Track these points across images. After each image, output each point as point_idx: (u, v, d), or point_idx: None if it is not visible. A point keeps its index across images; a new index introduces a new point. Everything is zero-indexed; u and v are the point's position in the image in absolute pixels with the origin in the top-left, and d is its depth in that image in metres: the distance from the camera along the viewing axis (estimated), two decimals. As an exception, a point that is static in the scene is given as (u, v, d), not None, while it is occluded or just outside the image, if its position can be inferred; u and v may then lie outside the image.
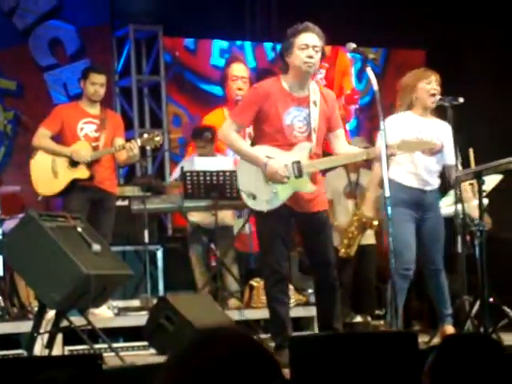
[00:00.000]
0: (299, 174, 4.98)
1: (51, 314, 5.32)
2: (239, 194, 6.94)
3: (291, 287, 6.92)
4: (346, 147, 5.18)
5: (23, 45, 8.49)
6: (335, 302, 5.16)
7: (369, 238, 7.40)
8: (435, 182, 5.68)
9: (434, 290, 5.70)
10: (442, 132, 5.61)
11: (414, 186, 5.59)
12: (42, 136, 6.64)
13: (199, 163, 7.41)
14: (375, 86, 4.76)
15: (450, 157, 5.61)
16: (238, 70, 7.37)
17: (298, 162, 4.98)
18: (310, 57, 4.94)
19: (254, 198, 5.01)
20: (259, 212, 5.07)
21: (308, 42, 4.95)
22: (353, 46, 4.92)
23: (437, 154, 5.63)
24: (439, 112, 5.73)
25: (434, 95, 5.62)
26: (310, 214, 5.05)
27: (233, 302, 7.22)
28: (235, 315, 6.53)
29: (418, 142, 5.20)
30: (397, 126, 5.44)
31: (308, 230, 5.09)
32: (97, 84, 6.66)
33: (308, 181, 5.02)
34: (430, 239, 5.62)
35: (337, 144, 5.13)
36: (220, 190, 6.99)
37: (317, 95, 5.06)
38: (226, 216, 7.48)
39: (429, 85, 5.63)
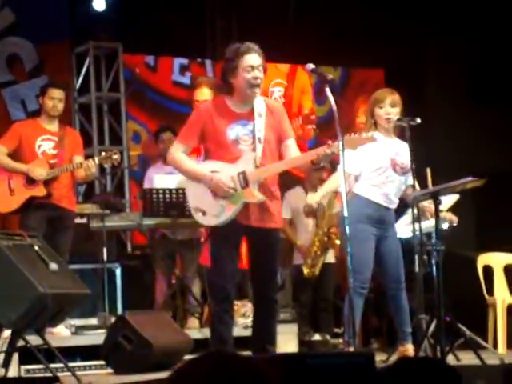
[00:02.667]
0: (246, 184, 4.98)
1: (7, 333, 5.26)
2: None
3: (249, 305, 6.93)
4: (297, 154, 5.16)
5: (-20, 61, 8.43)
6: (274, 322, 5.15)
7: (329, 256, 7.43)
8: (396, 202, 5.73)
9: (395, 309, 5.72)
10: (405, 152, 5.67)
11: (380, 203, 5.63)
12: (-1, 153, 6.59)
13: (158, 181, 7.40)
14: (334, 106, 4.79)
15: (411, 177, 5.66)
16: (202, 95, 7.42)
17: (243, 172, 4.99)
18: (256, 78, 4.98)
19: (204, 213, 5.03)
20: (211, 228, 5.10)
21: (253, 63, 4.97)
22: (311, 66, 4.94)
23: (406, 174, 5.68)
24: (398, 131, 5.78)
25: (388, 119, 5.68)
26: (262, 229, 5.03)
27: (192, 320, 7.20)
28: (194, 334, 6.50)
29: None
30: (370, 148, 5.41)
31: (256, 245, 5.06)
32: (55, 99, 6.64)
33: (255, 190, 5.01)
34: (393, 257, 5.65)
35: (288, 153, 5.10)
36: (179, 207, 6.98)
37: (262, 107, 5.08)
38: (193, 229, 7.45)
39: (381, 109, 5.68)
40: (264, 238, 5.04)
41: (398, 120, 5.64)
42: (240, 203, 4.99)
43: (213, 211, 4.99)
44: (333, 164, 5.75)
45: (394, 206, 5.71)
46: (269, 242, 5.07)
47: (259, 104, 5.08)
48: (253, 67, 4.96)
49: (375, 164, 5.60)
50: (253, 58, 4.97)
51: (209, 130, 5.04)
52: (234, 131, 5.03)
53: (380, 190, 5.63)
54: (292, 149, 5.12)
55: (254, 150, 5.02)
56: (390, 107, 5.67)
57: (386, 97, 5.68)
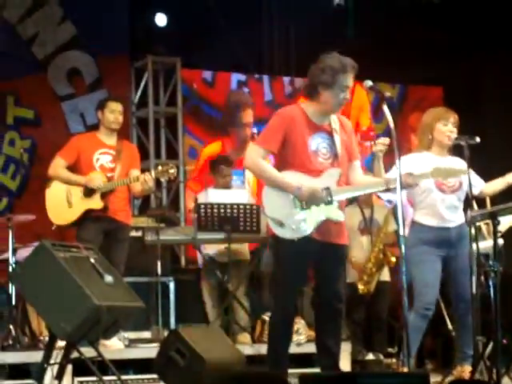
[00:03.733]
0: (330, 201, 4.91)
1: (62, 344, 5.30)
2: (253, 226, 7.00)
3: (302, 322, 6.90)
4: (363, 178, 5.13)
5: (42, 74, 8.56)
6: (340, 339, 5.09)
7: (384, 274, 7.38)
8: (458, 218, 5.65)
9: (461, 329, 5.66)
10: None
11: (434, 226, 5.57)
12: (58, 166, 6.66)
13: (213, 195, 7.43)
14: (391, 124, 4.75)
15: (479, 182, 5.65)
16: (249, 116, 7.44)
17: (328, 189, 4.91)
18: (347, 99, 4.95)
19: (282, 225, 4.86)
20: (281, 242, 4.91)
21: (349, 85, 4.92)
22: (369, 83, 4.91)
23: (456, 192, 5.62)
24: (456, 151, 5.73)
25: (449, 136, 5.64)
26: (333, 245, 4.97)
27: (243, 336, 7.19)
28: (246, 349, 6.48)
29: (450, 169, 5.16)
30: (413, 164, 5.43)
31: (326, 261, 4.96)
32: (116, 111, 6.70)
33: (337, 208, 4.96)
34: (463, 277, 5.55)
35: (354, 175, 5.07)
36: (233, 222, 6.99)
37: (336, 124, 5.04)
38: (241, 249, 7.47)
39: (445, 126, 5.64)
40: (336, 253, 4.98)
41: (457, 139, 5.59)
42: (321, 219, 4.90)
43: (293, 224, 4.86)
44: None
45: (453, 224, 5.63)
46: (341, 258, 5.04)
47: (334, 120, 5.05)
48: (347, 88, 4.92)
49: (421, 187, 5.54)
50: (350, 79, 4.91)
51: (290, 138, 4.91)
52: (315, 142, 4.95)
53: (432, 213, 5.58)
54: (358, 171, 5.10)
55: (332, 165, 4.97)
56: (452, 126, 5.64)
57: (451, 115, 5.66)
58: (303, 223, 4.86)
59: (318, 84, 4.91)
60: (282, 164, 4.95)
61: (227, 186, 7.56)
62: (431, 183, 5.59)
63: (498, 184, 5.80)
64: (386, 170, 5.31)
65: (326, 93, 4.91)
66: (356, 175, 5.07)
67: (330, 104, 4.94)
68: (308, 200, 4.85)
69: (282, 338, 5.02)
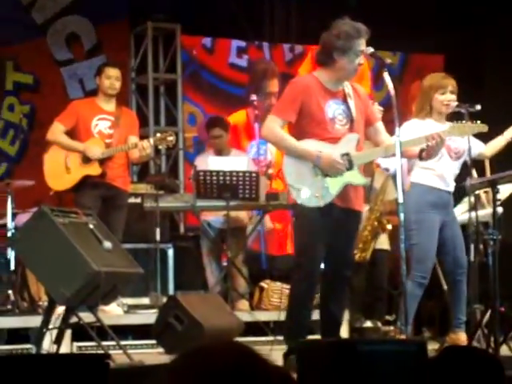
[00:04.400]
0: (350, 167, 4.88)
1: (61, 309, 5.31)
2: (252, 194, 6.99)
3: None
4: (389, 139, 5.10)
5: (41, 39, 8.50)
6: (344, 307, 5.10)
7: (382, 242, 7.37)
8: (453, 184, 5.67)
9: (455, 294, 5.65)
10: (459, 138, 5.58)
11: (441, 188, 5.56)
12: (57, 131, 6.65)
13: (213, 162, 7.41)
14: (392, 91, 4.73)
15: (478, 145, 5.66)
16: (275, 86, 7.37)
17: (348, 154, 4.88)
18: (361, 64, 4.93)
19: (305, 193, 4.83)
20: (304, 209, 4.87)
21: (363, 49, 4.89)
22: (370, 50, 4.88)
23: (460, 159, 5.62)
24: (456, 118, 5.70)
25: (448, 105, 5.60)
26: (352, 211, 4.96)
27: (242, 303, 7.21)
28: (245, 316, 6.50)
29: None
30: (417, 130, 5.39)
31: (341, 226, 4.93)
32: (112, 77, 6.66)
33: (359, 173, 4.95)
34: (458, 241, 5.56)
35: (379, 137, 5.05)
36: (233, 190, 6.98)
37: (349, 89, 5.02)
38: (240, 216, 7.47)
39: (443, 95, 5.60)
40: (352, 219, 4.99)
41: (457, 106, 5.56)
42: (343, 185, 4.88)
43: (316, 192, 4.83)
44: None
45: (451, 188, 5.64)
46: (356, 223, 5.05)
47: (347, 85, 5.02)
48: (362, 52, 4.89)
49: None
50: (363, 44, 4.89)
51: (307, 106, 4.88)
52: (332, 109, 4.93)
53: (436, 174, 5.56)
54: (383, 133, 5.07)
55: (349, 130, 4.94)
56: (450, 94, 5.60)
57: (449, 83, 5.61)
58: (326, 190, 4.86)
59: (333, 50, 4.89)
60: (299, 133, 4.92)
61: (221, 148, 7.50)
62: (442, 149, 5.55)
63: (497, 143, 5.79)
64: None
65: (342, 59, 4.89)
66: (381, 137, 5.05)
67: (346, 70, 4.92)
68: (327, 169, 4.83)
69: (305, 308, 4.98)
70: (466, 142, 5.54)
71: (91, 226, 5.29)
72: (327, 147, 4.85)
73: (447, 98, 5.60)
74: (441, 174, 5.57)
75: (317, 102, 4.89)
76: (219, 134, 7.47)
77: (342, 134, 4.93)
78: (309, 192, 4.83)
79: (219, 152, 7.51)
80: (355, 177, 4.93)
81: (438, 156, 5.52)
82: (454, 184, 5.67)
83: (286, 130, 5.08)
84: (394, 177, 5.75)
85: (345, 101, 4.97)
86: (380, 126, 5.09)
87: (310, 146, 4.87)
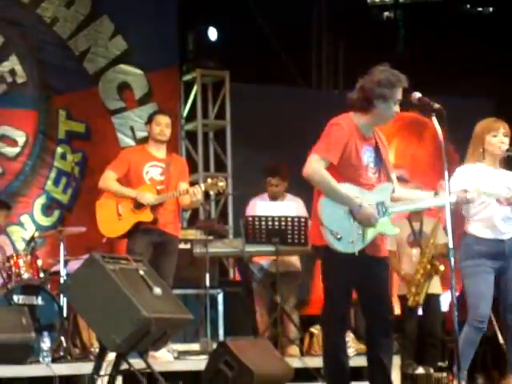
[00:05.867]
0: (384, 216, 4.86)
1: (112, 356, 5.34)
2: (301, 239, 6.99)
3: (351, 335, 6.87)
4: (404, 191, 5.10)
5: (93, 88, 8.66)
6: (392, 353, 5.04)
7: (435, 287, 7.31)
8: (509, 231, 5.59)
9: (509, 339, 5.57)
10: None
11: (489, 238, 5.51)
12: (109, 178, 6.72)
13: (261, 208, 7.44)
14: (440, 137, 4.71)
15: None
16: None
17: (383, 203, 4.88)
18: (398, 112, 4.92)
19: (339, 238, 4.78)
20: (334, 253, 4.81)
21: (400, 98, 4.89)
22: (418, 95, 4.88)
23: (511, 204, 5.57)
24: (509, 163, 5.67)
25: (500, 148, 5.57)
26: (378, 258, 4.93)
27: (292, 348, 7.18)
28: (295, 362, 6.47)
29: (491, 193, 5.14)
30: (469, 176, 5.36)
31: (372, 273, 4.90)
32: (162, 124, 6.74)
33: (391, 223, 4.94)
34: (507, 291, 5.49)
35: (395, 188, 5.06)
36: (282, 235, 6.99)
37: (377, 136, 5.03)
38: (291, 261, 7.46)
39: (495, 138, 5.57)
40: (382, 265, 4.95)
41: (507, 150, 5.53)
42: (377, 233, 4.86)
43: (350, 237, 4.78)
44: None
45: (507, 236, 5.56)
46: (385, 269, 4.99)
47: (376, 132, 5.03)
48: (399, 101, 4.92)
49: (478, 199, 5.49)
50: (401, 93, 4.89)
51: (348, 150, 4.83)
52: (366, 156, 4.90)
53: (487, 225, 5.51)
54: (395, 184, 5.07)
55: (378, 179, 4.95)
56: (503, 136, 5.57)
57: (500, 126, 5.59)
58: (360, 237, 4.83)
59: (373, 97, 4.89)
60: (337, 176, 4.84)
61: (276, 197, 7.51)
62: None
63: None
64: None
65: (382, 106, 4.88)
66: (396, 188, 5.05)
67: (384, 117, 4.92)
68: (362, 221, 4.81)
69: (341, 352, 4.95)
70: None
71: (141, 272, 5.33)
72: (363, 194, 4.84)
73: (500, 140, 5.57)
74: (489, 223, 5.51)
75: (355, 147, 4.87)
76: (277, 183, 7.47)
77: (374, 182, 4.92)
78: (345, 237, 4.79)
79: (274, 198, 7.50)
80: (388, 227, 4.91)
81: (485, 204, 5.48)
82: (510, 230, 5.58)
83: None
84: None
85: (376, 148, 4.96)
86: (394, 176, 5.08)
87: (349, 190, 4.85)
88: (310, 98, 9.34)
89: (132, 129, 8.71)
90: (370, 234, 4.83)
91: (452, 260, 4.69)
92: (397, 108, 4.89)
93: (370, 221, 4.80)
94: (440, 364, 7.27)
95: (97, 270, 5.12)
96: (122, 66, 8.75)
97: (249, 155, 8.95)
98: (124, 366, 5.20)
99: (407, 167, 8.57)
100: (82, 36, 8.63)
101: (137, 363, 5.30)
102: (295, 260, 7.51)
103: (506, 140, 5.59)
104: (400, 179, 5.59)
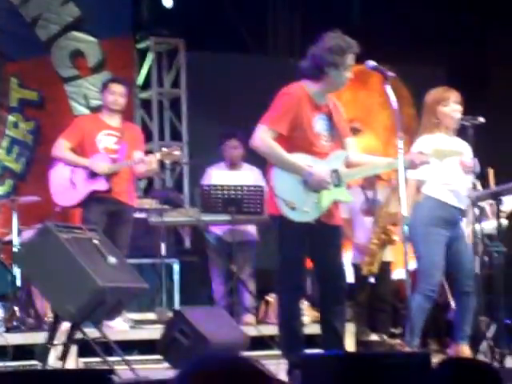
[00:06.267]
0: (338, 183, 4.89)
1: (66, 325, 5.32)
2: (257, 208, 6.99)
3: (306, 303, 6.91)
4: (360, 156, 5.11)
5: (45, 56, 8.54)
6: (345, 319, 5.08)
7: (387, 255, 7.36)
8: (466, 201, 5.65)
9: (463, 307, 5.63)
10: (466, 151, 5.59)
11: (454, 205, 5.54)
12: (62, 147, 6.66)
13: (217, 177, 7.42)
14: (394, 105, 4.72)
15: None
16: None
17: (337, 171, 4.89)
18: (349, 78, 4.92)
19: (294, 208, 4.80)
20: (289, 222, 4.83)
21: (352, 63, 4.90)
22: (372, 63, 4.89)
23: (471, 173, 5.61)
24: (459, 131, 5.71)
25: (454, 117, 5.59)
26: (333, 226, 4.96)
27: (248, 317, 7.21)
28: (250, 330, 6.50)
29: (449, 151, 5.16)
30: (430, 146, 5.38)
31: (325, 241, 4.94)
32: (116, 93, 6.68)
33: (345, 190, 4.95)
34: (468, 255, 5.54)
35: (350, 154, 5.03)
36: (238, 204, 6.98)
37: (331, 103, 5.01)
38: (248, 230, 7.46)
39: (447, 107, 5.59)
40: (336, 233, 4.98)
41: (461, 119, 5.56)
42: (331, 201, 4.89)
43: (305, 206, 4.81)
44: None
45: (464, 205, 5.62)
46: (339, 237, 5.03)
47: (330, 99, 5.02)
48: (350, 67, 4.90)
49: (446, 166, 5.52)
50: (353, 58, 4.89)
51: (299, 119, 4.83)
52: (318, 124, 4.91)
53: (451, 190, 5.56)
54: (353, 149, 5.07)
55: (331, 146, 4.95)
56: (455, 104, 5.59)
57: (450, 95, 5.61)
58: (315, 205, 4.84)
59: (324, 65, 4.87)
60: (288, 146, 4.86)
61: (235, 162, 7.45)
62: (456, 163, 5.54)
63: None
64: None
65: (333, 73, 4.87)
66: (352, 153, 5.04)
67: (335, 84, 4.92)
68: (317, 186, 4.82)
69: (295, 319, 4.98)
70: (470, 156, 5.54)
71: (96, 242, 5.30)
72: (316, 162, 4.84)
73: (452, 109, 5.59)
74: (456, 189, 5.55)
75: (307, 116, 4.87)
76: (235, 145, 7.43)
77: (327, 149, 4.92)
78: (299, 206, 4.80)
79: (233, 163, 7.46)
80: (343, 194, 4.94)
81: (452, 171, 5.52)
82: (466, 200, 5.63)
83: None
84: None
85: (329, 116, 4.96)
86: (351, 141, 5.07)
87: (300, 160, 4.85)
88: (266, 66, 9.29)
89: (86, 97, 8.61)
90: (326, 201, 4.85)
91: (405, 228, 4.73)
92: (348, 74, 4.89)
93: (321, 185, 4.81)
94: (393, 330, 7.35)
95: (50, 239, 5.08)
96: (75, 33, 8.63)
97: (204, 124, 8.90)
98: (79, 336, 5.18)
99: (360, 116, 8.59)
100: (34, 2, 8.48)
101: (92, 333, 5.28)
102: (252, 229, 7.52)
103: (459, 107, 5.61)
104: (353, 130, 5.62)
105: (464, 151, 5.54)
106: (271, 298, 7.29)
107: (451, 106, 5.58)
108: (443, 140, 5.52)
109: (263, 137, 4.82)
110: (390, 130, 5.30)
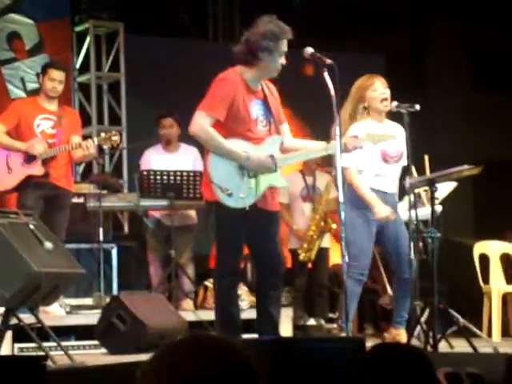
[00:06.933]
0: (274, 169, 4.92)
1: (0, 310, 5.26)
2: (196, 193, 6.99)
3: (245, 288, 6.94)
4: (295, 141, 5.14)
5: (-19, 38, 8.40)
6: (280, 304, 5.13)
7: (324, 241, 7.43)
8: (394, 186, 5.72)
9: (401, 291, 5.70)
10: (399, 136, 5.65)
11: (375, 188, 5.61)
12: (-2, 131, 6.58)
13: (156, 161, 7.39)
14: (332, 92, 4.75)
15: (405, 159, 5.64)
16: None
17: (273, 156, 4.91)
18: (283, 64, 4.93)
19: (230, 194, 4.81)
20: (222, 209, 4.83)
21: (286, 50, 4.90)
22: (310, 50, 4.90)
23: (398, 162, 5.67)
24: (397, 118, 5.77)
25: (384, 99, 5.64)
26: (269, 212, 4.99)
27: (186, 302, 7.21)
28: (189, 316, 6.51)
29: (382, 135, 5.23)
30: (364, 131, 5.43)
31: (262, 227, 4.95)
32: (55, 80, 6.60)
33: (280, 175, 4.98)
34: (401, 241, 5.60)
35: (285, 139, 5.04)
36: (177, 189, 6.97)
37: (265, 88, 5.03)
38: (187, 214, 7.46)
39: (376, 91, 5.64)
40: (272, 219, 4.99)
41: (397, 106, 5.61)
42: (266, 186, 4.90)
43: (241, 192, 4.82)
44: None
45: (392, 190, 5.68)
46: (276, 223, 5.05)
47: (264, 84, 5.03)
48: (284, 53, 4.90)
49: (366, 157, 5.58)
50: (286, 44, 4.89)
51: (235, 105, 4.82)
52: (255, 109, 4.90)
53: (373, 175, 5.63)
54: (288, 135, 5.09)
55: (269, 132, 4.97)
56: (383, 88, 5.64)
57: (374, 80, 5.66)
58: (250, 191, 4.86)
59: (258, 50, 4.87)
60: (225, 132, 4.84)
61: (170, 141, 7.43)
62: (377, 154, 5.61)
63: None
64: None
65: (267, 58, 4.88)
66: (287, 139, 5.07)
67: (270, 69, 4.92)
68: (256, 170, 4.85)
69: (232, 304, 5.00)
70: (401, 144, 5.60)
71: (31, 227, 5.25)
72: (252, 148, 4.87)
73: (380, 92, 5.63)
74: (375, 178, 5.62)
75: (243, 101, 4.87)
76: (170, 124, 7.40)
77: (264, 135, 4.95)
78: (235, 192, 4.82)
79: (168, 143, 7.43)
80: (277, 179, 4.97)
81: (373, 163, 5.59)
82: (394, 185, 5.71)
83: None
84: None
85: (265, 101, 4.97)
86: (286, 127, 5.11)
87: (236, 146, 4.85)
88: (206, 50, 9.27)
89: (23, 80, 8.49)
90: (261, 187, 4.87)
91: (342, 214, 4.78)
92: (282, 60, 4.90)
93: (265, 166, 4.84)
94: (331, 315, 7.43)
95: (-16, 224, 5.02)
96: (12, 16, 8.49)
97: (144, 108, 8.85)
98: (14, 321, 5.13)
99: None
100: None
101: (27, 318, 5.23)
102: (191, 213, 7.51)
103: (387, 91, 5.66)
104: None
105: (397, 135, 5.60)
106: (210, 283, 7.31)
107: (380, 89, 5.63)
108: (375, 126, 5.57)
109: (201, 123, 4.81)
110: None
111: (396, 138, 5.43)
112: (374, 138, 5.17)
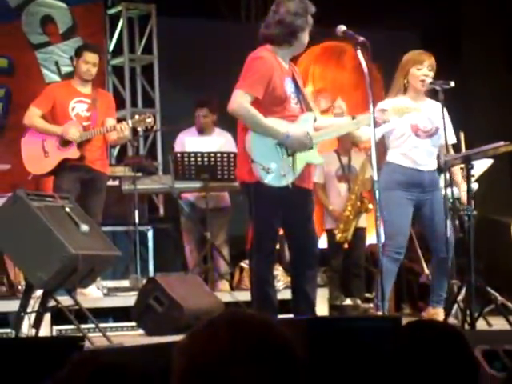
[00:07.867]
0: (311, 146, 4.91)
1: (39, 293, 5.31)
2: (231, 175, 6.98)
3: (280, 268, 6.94)
4: (324, 119, 5.16)
5: (15, 22, 8.43)
6: (316, 284, 5.12)
7: (361, 221, 7.39)
8: (431, 163, 5.65)
9: (437, 271, 5.68)
10: (435, 113, 5.59)
11: (409, 166, 5.57)
12: (33, 115, 6.62)
13: (190, 144, 7.41)
14: (365, 70, 4.72)
15: (443, 137, 5.57)
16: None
17: (308, 133, 4.89)
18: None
19: (269, 171, 4.77)
20: (263, 189, 4.79)
21: (311, 24, 4.91)
22: (343, 28, 4.87)
23: (432, 137, 5.61)
24: (431, 95, 5.71)
25: (423, 81, 5.59)
26: (305, 189, 4.97)
27: (222, 283, 7.23)
28: (225, 297, 6.52)
29: (406, 107, 5.21)
30: (391, 105, 5.39)
31: (298, 206, 4.93)
32: (90, 63, 6.62)
33: (316, 152, 4.97)
34: (437, 220, 5.55)
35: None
36: (211, 171, 6.98)
37: (291, 66, 5.04)
38: (221, 196, 7.47)
39: (419, 70, 5.59)
40: (308, 197, 4.99)
41: (431, 83, 5.56)
42: (304, 164, 4.89)
43: (282, 170, 4.79)
44: None
45: (427, 167, 5.63)
46: (311, 201, 5.04)
47: (290, 64, 5.03)
48: (309, 28, 4.92)
49: (397, 131, 5.55)
50: (311, 20, 4.91)
51: (272, 83, 4.81)
52: (288, 87, 4.90)
53: (401, 153, 5.59)
54: (317, 112, 5.11)
55: (301, 109, 4.95)
56: (427, 70, 5.59)
57: (425, 59, 5.61)
58: (290, 169, 4.84)
59: (297, 30, 4.86)
60: (262, 110, 4.82)
61: (203, 129, 7.47)
62: (407, 128, 5.58)
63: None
64: None
65: (301, 35, 4.89)
66: (316, 116, 5.08)
67: (300, 46, 4.96)
68: (295, 147, 4.83)
69: (268, 286, 4.99)
70: (438, 120, 5.55)
71: (68, 210, 5.28)
72: (288, 126, 4.84)
73: (423, 73, 5.58)
74: (406, 152, 5.58)
75: (280, 79, 4.87)
76: (205, 114, 7.44)
77: (297, 112, 4.93)
78: (276, 171, 4.79)
79: (201, 130, 7.48)
80: (315, 156, 4.96)
81: (405, 137, 5.55)
82: (429, 162, 5.64)
83: None
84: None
85: (294, 79, 4.96)
86: (312, 105, 5.13)
87: (276, 124, 4.83)
88: (239, 32, 9.23)
89: (57, 64, 8.52)
90: (299, 164, 4.86)
91: (377, 193, 4.75)
92: (308, 35, 4.92)
93: (304, 144, 4.83)
94: (367, 295, 7.40)
95: (21, 207, 5.06)
96: (45, 0, 8.52)
97: (177, 90, 8.85)
98: (52, 304, 5.18)
99: (328, 90, 8.58)
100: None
101: (65, 300, 5.28)
102: (225, 195, 7.52)
103: (431, 74, 5.61)
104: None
105: (429, 110, 5.55)
106: (245, 264, 7.32)
107: (424, 70, 5.58)
108: (403, 101, 5.51)
109: (240, 101, 4.79)
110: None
111: (421, 110, 5.35)
112: (398, 111, 5.14)
